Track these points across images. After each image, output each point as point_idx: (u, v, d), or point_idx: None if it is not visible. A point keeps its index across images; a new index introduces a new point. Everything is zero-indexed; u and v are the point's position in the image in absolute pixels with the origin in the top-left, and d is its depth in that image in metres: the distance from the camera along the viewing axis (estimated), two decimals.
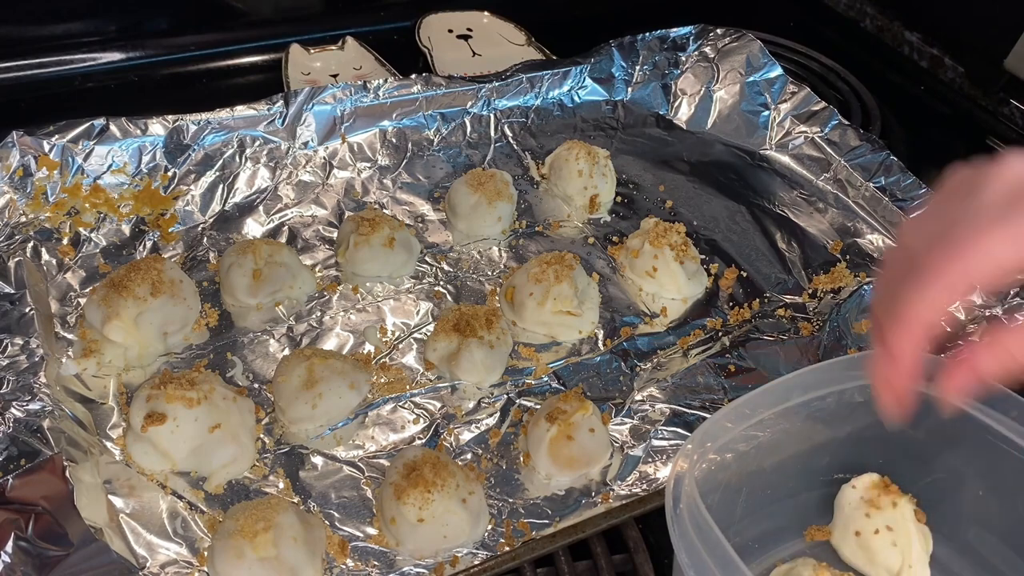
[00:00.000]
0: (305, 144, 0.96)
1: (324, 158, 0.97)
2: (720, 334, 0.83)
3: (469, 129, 1.04)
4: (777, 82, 1.06)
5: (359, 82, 0.98)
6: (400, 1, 1.25)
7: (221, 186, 0.92)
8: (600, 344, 0.82)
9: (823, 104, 1.02)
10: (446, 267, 0.89)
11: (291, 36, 1.13)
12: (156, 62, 1.13)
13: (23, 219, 0.85)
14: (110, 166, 0.89)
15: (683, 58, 1.10)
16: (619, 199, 0.99)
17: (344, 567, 0.63)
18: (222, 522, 0.62)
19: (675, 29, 1.10)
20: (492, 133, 1.04)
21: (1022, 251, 0.47)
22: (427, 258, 0.89)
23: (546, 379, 0.78)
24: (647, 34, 1.10)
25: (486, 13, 1.22)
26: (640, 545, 0.65)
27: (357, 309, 0.83)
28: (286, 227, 0.91)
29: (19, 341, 0.72)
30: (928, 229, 0.52)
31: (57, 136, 0.87)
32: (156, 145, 0.91)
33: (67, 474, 0.60)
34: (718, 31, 1.10)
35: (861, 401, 0.63)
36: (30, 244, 0.83)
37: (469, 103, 1.03)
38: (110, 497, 0.65)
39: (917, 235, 0.52)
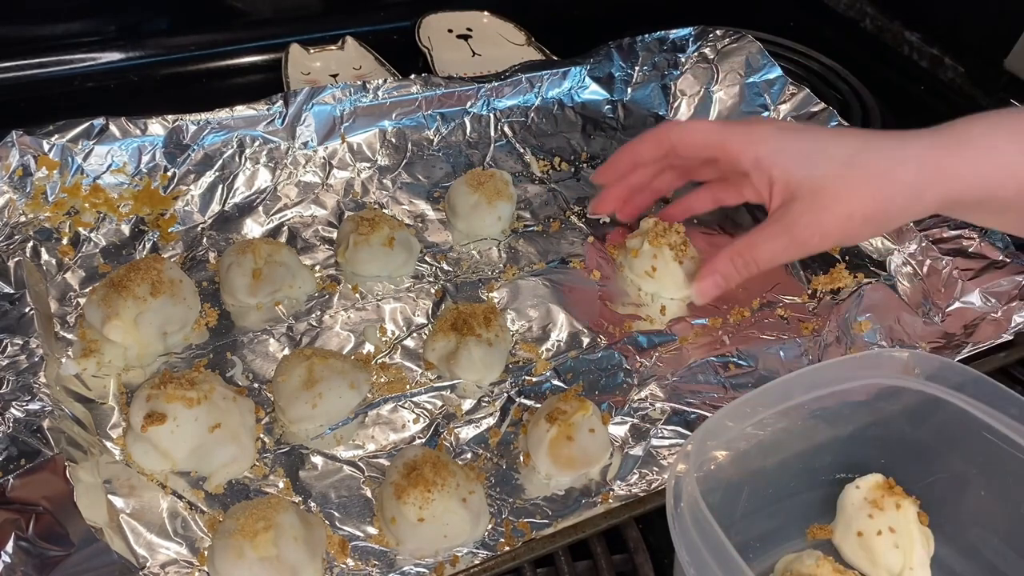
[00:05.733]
0: (305, 144, 0.96)
1: (324, 158, 0.97)
2: (720, 334, 0.83)
3: (469, 129, 1.03)
4: (776, 83, 1.06)
5: (359, 82, 0.98)
6: (400, 1, 1.25)
7: (221, 186, 0.92)
8: (601, 342, 0.82)
9: (822, 105, 1.02)
10: (446, 267, 0.89)
11: (291, 36, 1.13)
12: (156, 62, 1.13)
13: (23, 219, 0.85)
14: (110, 166, 0.89)
15: (682, 59, 1.10)
16: None
17: (344, 567, 0.63)
18: (222, 522, 0.62)
19: (674, 31, 1.10)
20: (492, 133, 1.04)
21: (691, 127, 0.76)
22: (427, 258, 0.89)
23: (546, 375, 0.78)
24: (646, 36, 1.10)
25: (486, 13, 1.22)
26: (640, 545, 0.65)
27: (357, 309, 0.83)
28: (286, 227, 0.91)
29: (19, 341, 0.71)
30: None
31: (57, 136, 0.87)
32: (156, 145, 0.90)
33: (67, 474, 0.60)
34: (717, 32, 1.10)
35: (863, 400, 0.63)
36: (30, 244, 0.83)
37: (469, 103, 1.03)
38: (110, 497, 0.65)
39: None
